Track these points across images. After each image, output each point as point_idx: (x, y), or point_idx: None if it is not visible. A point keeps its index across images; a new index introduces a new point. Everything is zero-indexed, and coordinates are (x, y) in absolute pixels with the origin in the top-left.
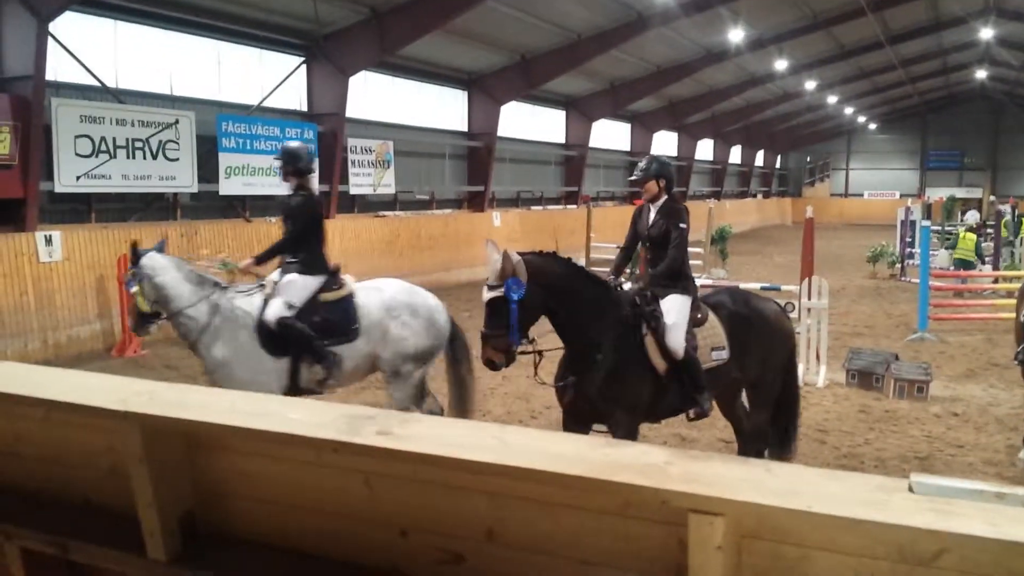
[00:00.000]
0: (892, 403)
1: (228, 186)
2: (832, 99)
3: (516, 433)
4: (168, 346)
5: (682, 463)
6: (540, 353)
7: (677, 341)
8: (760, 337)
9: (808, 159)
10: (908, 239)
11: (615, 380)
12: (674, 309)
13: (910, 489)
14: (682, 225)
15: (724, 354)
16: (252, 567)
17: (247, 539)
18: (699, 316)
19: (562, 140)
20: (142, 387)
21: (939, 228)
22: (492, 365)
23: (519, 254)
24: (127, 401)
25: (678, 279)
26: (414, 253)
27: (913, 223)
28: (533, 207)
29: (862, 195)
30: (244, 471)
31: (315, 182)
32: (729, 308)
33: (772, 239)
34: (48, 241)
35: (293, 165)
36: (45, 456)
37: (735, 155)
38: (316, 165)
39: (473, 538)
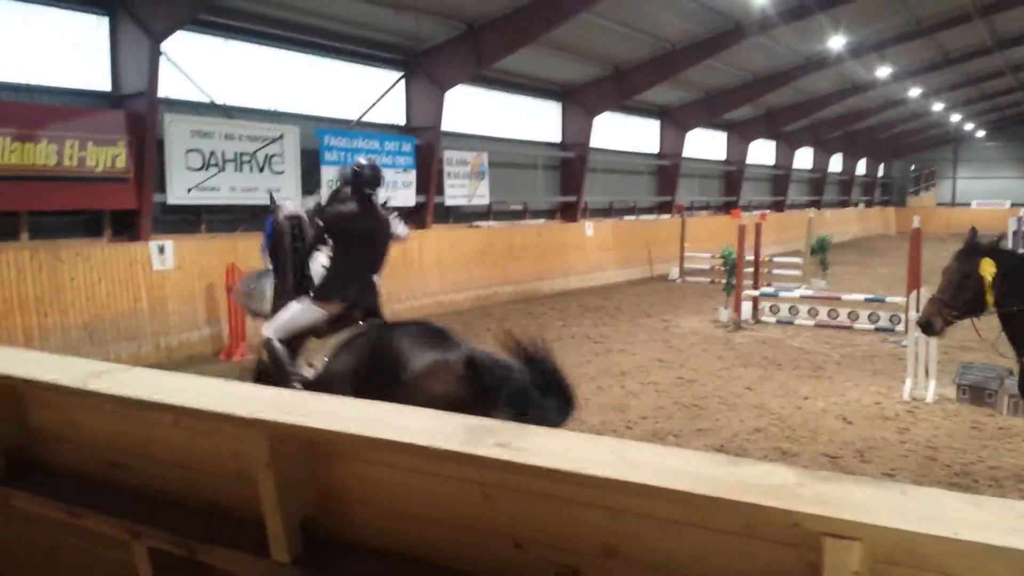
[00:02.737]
0: (1006, 420)
1: None
2: (937, 106)
3: (636, 449)
4: None
5: (813, 484)
6: None
7: None
8: None
9: (912, 167)
10: (1021, 249)
11: None
12: None
13: None
14: None
15: None
16: (370, 572)
17: (365, 545)
18: None
19: (656, 150)
20: (269, 394)
21: None
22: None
23: None
24: (254, 408)
25: None
26: (507, 263)
27: None
28: (626, 217)
29: (969, 204)
30: (364, 478)
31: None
32: None
33: (875, 249)
34: (161, 250)
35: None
36: (173, 460)
37: (835, 163)
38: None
39: (590, 554)
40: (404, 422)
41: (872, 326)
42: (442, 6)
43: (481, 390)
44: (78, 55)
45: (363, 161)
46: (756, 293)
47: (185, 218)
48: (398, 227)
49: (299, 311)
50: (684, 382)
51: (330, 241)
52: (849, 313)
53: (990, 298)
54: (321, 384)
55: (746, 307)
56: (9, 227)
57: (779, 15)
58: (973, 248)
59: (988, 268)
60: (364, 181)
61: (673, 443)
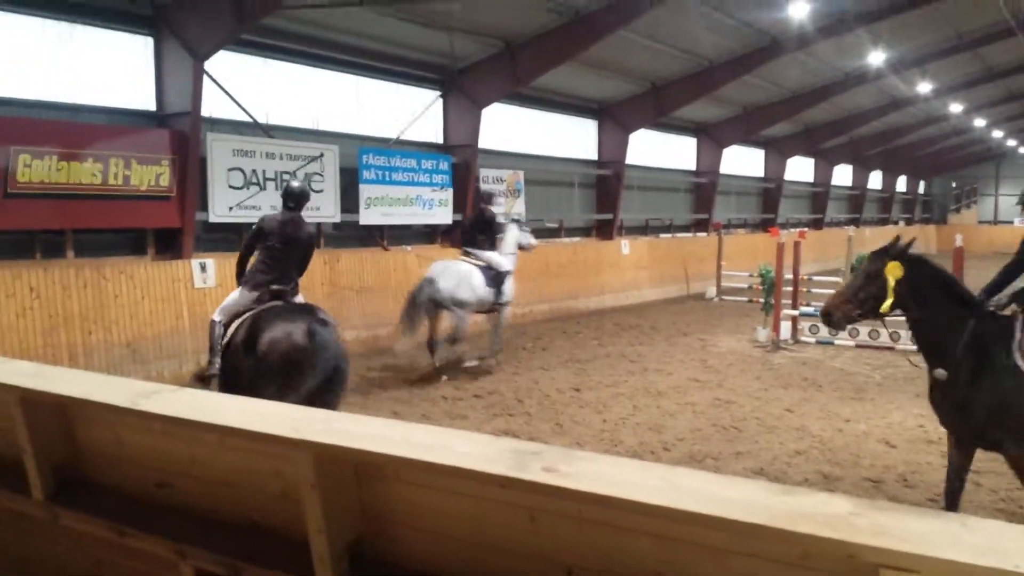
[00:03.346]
0: None
1: (368, 216)
2: (979, 122)
3: (686, 475)
4: None
5: (869, 514)
6: None
7: None
8: None
9: (954, 184)
10: None
11: None
12: None
13: None
14: None
15: None
16: None
17: (411, 568)
18: None
19: (692, 167)
20: (315, 415)
21: None
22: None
23: None
24: (300, 429)
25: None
26: (543, 281)
27: None
28: (662, 235)
29: (1012, 222)
30: (411, 501)
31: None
32: None
33: None
34: (203, 268)
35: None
36: (219, 479)
37: (875, 180)
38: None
39: None
40: (451, 445)
41: (914, 347)
42: (479, 25)
43: (311, 357)
44: (123, 75)
45: (294, 183)
46: (795, 312)
47: (226, 236)
48: (526, 238)
49: (236, 296)
50: (722, 403)
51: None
52: (891, 333)
53: (888, 301)
54: (227, 352)
55: (785, 327)
56: (55, 245)
57: (818, 31)
58: (886, 250)
59: (894, 271)
60: (289, 196)
61: (711, 466)
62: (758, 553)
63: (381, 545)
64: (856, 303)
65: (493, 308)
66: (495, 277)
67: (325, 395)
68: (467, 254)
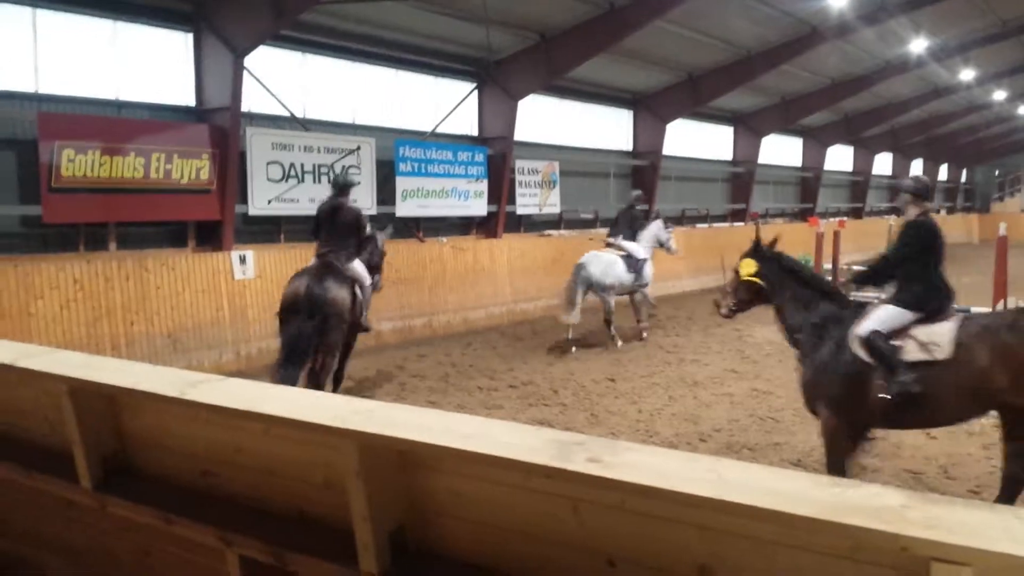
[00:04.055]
0: None
1: (404, 208)
2: (1023, 110)
3: (733, 467)
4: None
5: (921, 507)
6: None
7: None
8: None
9: (997, 173)
10: None
11: None
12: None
13: None
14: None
15: None
16: None
17: (454, 557)
18: None
19: (729, 156)
20: (359, 405)
21: None
22: None
23: None
24: (345, 418)
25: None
26: None
27: None
28: (699, 225)
29: None
30: (454, 490)
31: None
32: None
33: (957, 257)
34: (242, 260)
35: None
36: (263, 468)
37: (916, 169)
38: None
39: (684, 573)
40: (494, 434)
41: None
42: (515, 17)
43: (300, 302)
44: (164, 71)
45: (337, 174)
46: None
47: (265, 228)
48: (666, 235)
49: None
50: (759, 393)
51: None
52: None
53: (747, 294)
54: None
55: None
56: (98, 238)
57: (858, 19)
58: (750, 248)
59: (746, 267)
60: (334, 185)
61: (748, 456)
62: (807, 546)
63: (423, 533)
64: (733, 296)
65: (634, 289)
66: (635, 264)
67: (321, 333)
68: (610, 245)
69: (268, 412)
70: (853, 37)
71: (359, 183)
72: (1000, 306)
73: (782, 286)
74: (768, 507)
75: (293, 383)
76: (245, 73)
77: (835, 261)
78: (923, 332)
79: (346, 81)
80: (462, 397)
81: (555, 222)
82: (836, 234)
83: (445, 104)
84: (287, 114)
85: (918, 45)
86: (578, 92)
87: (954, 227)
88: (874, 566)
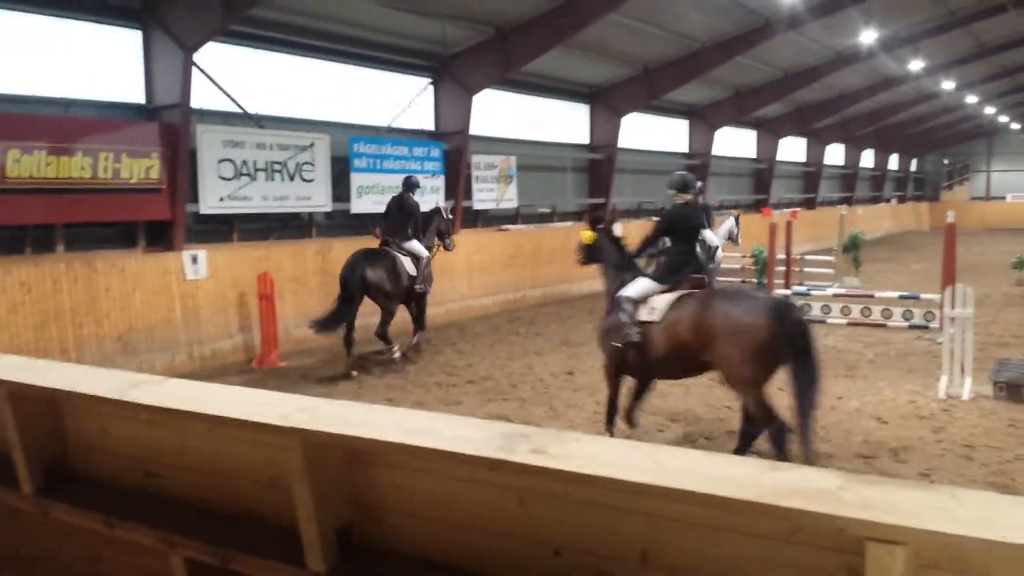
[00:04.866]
0: None
1: (359, 204)
2: (971, 99)
3: (673, 454)
4: (304, 358)
5: (857, 488)
6: None
7: None
8: None
9: (946, 162)
10: None
11: None
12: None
13: None
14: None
15: None
16: None
17: (402, 553)
18: None
19: (685, 149)
20: (305, 403)
21: None
22: None
23: None
24: (289, 416)
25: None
26: (536, 266)
27: None
28: (655, 217)
29: (1004, 198)
30: (401, 486)
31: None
32: None
33: (908, 245)
34: (194, 260)
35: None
36: (208, 469)
37: (867, 159)
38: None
39: (628, 560)
40: (440, 429)
41: (906, 324)
42: (470, 11)
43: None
44: (112, 68)
45: (408, 175)
46: (788, 292)
47: (217, 228)
48: (735, 231)
49: None
50: (714, 384)
51: None
52: (883, 311)
53: (584, 253)
54: None
55: None
56: (45, 239)
57: (809, 10)
58: (592, 221)
59: (585, 236)
60: (404, 184)
61: (705, 446)
62: (747, 529)
63: (371, 530)
64: (579, 253)
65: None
66: (708, 250)
67: (375, 300)
68: None
69: (211, 412)
70: (805, 28)
71: (311, 180)
72: (949, 292)
73: (604, 253)
74: (706, 492)
75: (330, 331)
76: (195, 70)
77: (788, 251)
78: (657, 300)
79: (299, 77)
80: (420, 394)
81: (512, 217)
82: (789, 224)
83: (400, 99)
84: (239, 111)
85: (868, 36)
86: (534, 86)
87: (905, 215)
88: (812, 548)
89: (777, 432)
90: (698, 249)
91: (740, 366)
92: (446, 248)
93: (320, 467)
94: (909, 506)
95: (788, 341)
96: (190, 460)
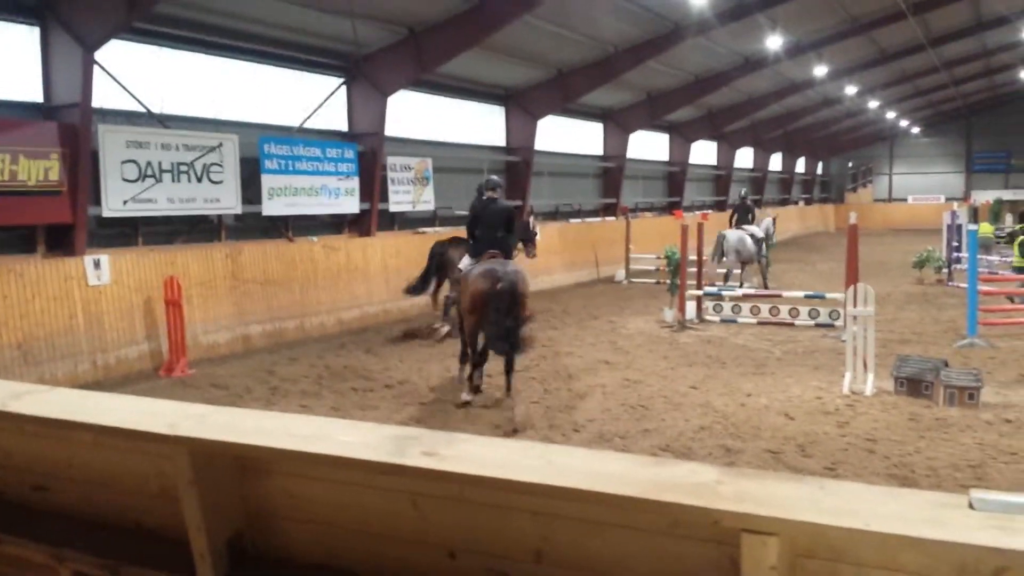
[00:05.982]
0: (942, 411)
1: (271, 207)
2: (873, 104)
3: (561, 452)
4: (215, 365)
5: (733, 481)
6: None
7: None
8: None
9: (850, 164)
10: (955, 243)
11: None
12: None
13: (970, 506)
14: None
15: None
16: None
17: (296, 560)
18: None
19: (600, 152)
20: (193, 411)
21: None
22: None
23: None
24: (176, 425)
25: None
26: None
27: (959, 227)
28: (572, 220)
29: (906, 200)
30: (293, 493)
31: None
32: None
33: (815, 246)
34: (96, 265)
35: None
36: (96, 480)
37: (775, 162)
38: None
39: (521, 559)
40: (333, 434)
41: (812, 322)
42: (382, 11)
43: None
44: (8, 66)
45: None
46: (700, 293)
47: (122, 231)
48: (772, 229)
49: None
50: (630, 383)
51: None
52: (790, 310)
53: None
54: None
55: (690, 307)
56: None
57: (717, 16)
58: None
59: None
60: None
61: (620, 445)
62: (631, 524)
63: (264, 539)
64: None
65: (755, 259)
66: (756, 241)
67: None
68: (739, 226)
69: (95, 422)
70: (714, 34)
71: (220, 182)
72: (851, 291)
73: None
74: (592, 489)
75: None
76: (97, 68)
77: (699, 252)
78: (468, 266)
79: (207, 76)
80: (336, 399)
81: (430, 219)
82: (700, 226)
83: (312, 100)
84: (143, 110)
85: (774, 42)
86: (450, 88)
87: (812, 217)
88: (692, 540)
89: (478, 363)
90: (749, 240)
91: (466, 313)
92: (529, 256)
93: (209, 476)
94: (781, 498)
95: (495, 298)
96: (77, 472)
